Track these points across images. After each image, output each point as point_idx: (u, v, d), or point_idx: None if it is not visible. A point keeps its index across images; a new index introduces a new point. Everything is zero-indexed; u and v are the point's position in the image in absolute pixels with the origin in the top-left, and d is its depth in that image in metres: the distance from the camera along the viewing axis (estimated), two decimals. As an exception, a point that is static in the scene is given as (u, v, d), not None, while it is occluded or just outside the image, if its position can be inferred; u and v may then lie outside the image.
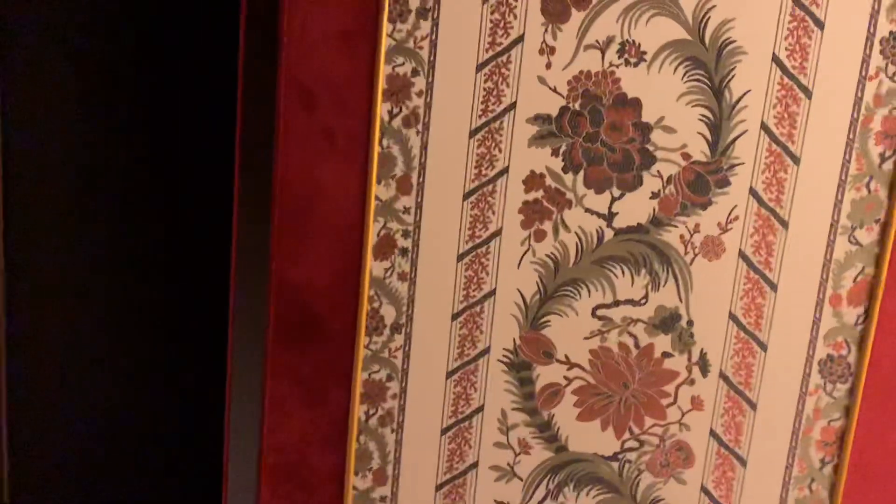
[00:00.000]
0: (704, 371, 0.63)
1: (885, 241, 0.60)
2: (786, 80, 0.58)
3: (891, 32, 0.58)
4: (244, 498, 0.69)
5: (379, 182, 0.62)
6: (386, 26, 0.58)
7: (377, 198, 0.62)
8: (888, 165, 0.59)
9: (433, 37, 0.59)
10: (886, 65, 0.58)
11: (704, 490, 0.65)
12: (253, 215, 0.63)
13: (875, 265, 0.61)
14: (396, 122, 0.61)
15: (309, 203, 0.62)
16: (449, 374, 0.65)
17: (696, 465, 0.65)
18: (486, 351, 0.64)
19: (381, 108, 0.60)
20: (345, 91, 0.60)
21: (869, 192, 0.60)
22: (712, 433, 0.64)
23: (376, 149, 0.61)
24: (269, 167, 0.62)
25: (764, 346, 0.63)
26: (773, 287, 0.62)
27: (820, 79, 0.58)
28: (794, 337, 0.62)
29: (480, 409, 0.65)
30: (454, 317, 0.64)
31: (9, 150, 0.80)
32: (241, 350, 0.66)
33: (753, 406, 0.64)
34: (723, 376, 0.63)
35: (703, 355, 0.63)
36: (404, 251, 0.63)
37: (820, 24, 0.58)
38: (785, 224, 0.61)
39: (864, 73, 0.58)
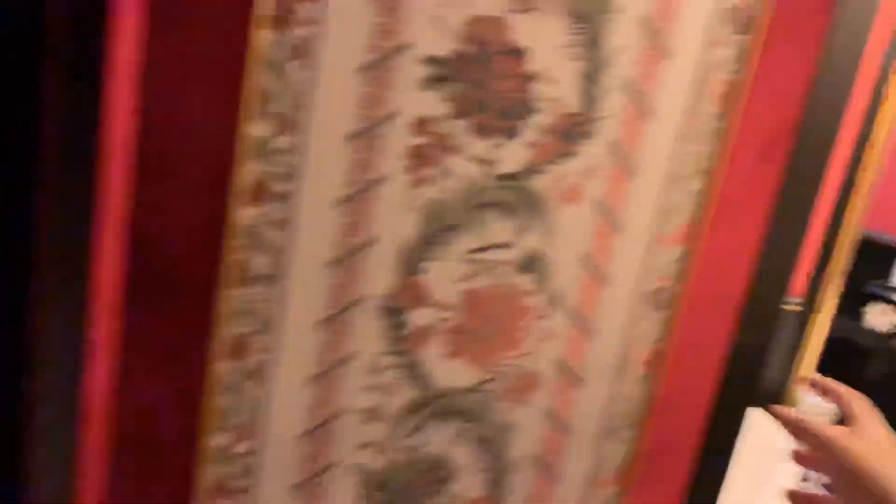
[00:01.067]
0: (557, 306, 0.69)
1: (709, 189, 0.69)
2: (652, 40, 0.63)
3: (734, 4, 0.64)
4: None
5: (254, 119, 0.54)
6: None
7: (251, 137, 0.55)
8: (718, 123, 0.68)
9: (328, -40, 0.52)
10: (729, 33, 0.65)
11: (549, 412, 0.72)
12: (68, 158, 0.52)
13: (699, 208, 0.70)
14: (278, 53, 0.54)
15: (172, 141, 0.53)
16: (321, 324, 0.62)
17: (541, 390, 0.71)
18: (361, 299, 0.62)
19: (261, 36, 0.53)
20: (218, 11, 0.51)
21: (701, 145, 0.68)
22: (557, 360, 0.71)
23: (254, 82, 0.53)
24: (94, 99, 0.51)
25: (608, 282, 0.70)
26: (620, 229, 0.68)
27: (678, 41, 0.64)
28: (631, 272, 0.70)
29: (351, 356, 0.64)
30: (330, 265, 0.60)
31: None
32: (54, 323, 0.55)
33: (596, 334, 0.71)
34: (571, 309, 0.69)
35: (558, 291, 0.68)
36: (281, 196, 0.57)
37: (682, -9, 0.62)
38: (635, 174, 0.67)
39: (711, 39, 0.65)
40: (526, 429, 0.72)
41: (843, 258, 2.30)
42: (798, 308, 2.27)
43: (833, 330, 3.42)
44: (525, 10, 0.58)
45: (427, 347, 0.66)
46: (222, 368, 0.60)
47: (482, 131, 0.60)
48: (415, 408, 0.67)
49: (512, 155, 0.62)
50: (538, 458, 0.73)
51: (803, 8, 0.67)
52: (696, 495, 0.80)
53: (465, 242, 0.64)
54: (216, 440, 0.62)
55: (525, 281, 0.67)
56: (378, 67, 0.56)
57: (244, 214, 0.57)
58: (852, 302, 3.46)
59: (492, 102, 0.60)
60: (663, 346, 0.73)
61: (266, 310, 0.60)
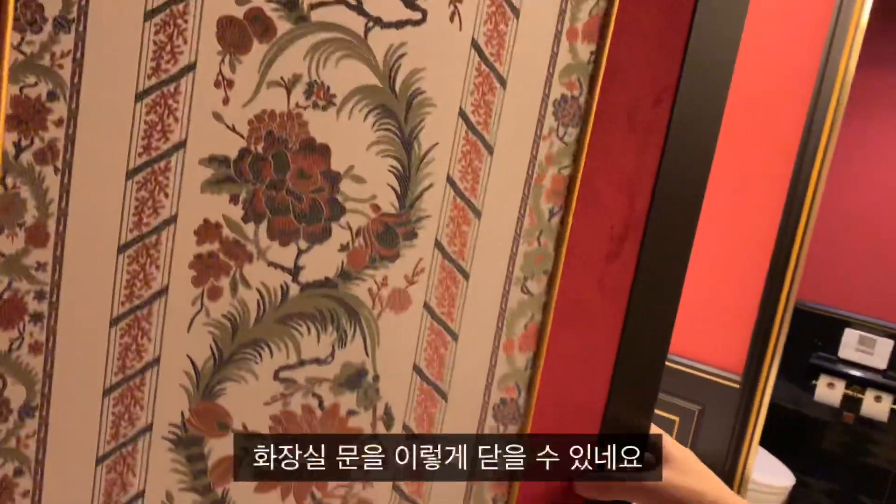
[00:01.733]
0: (388, 425, 0.61)
1: (551, 290, 0.63)
2: (471, 135, 0.58)
3: (562, 95, 0.61)
4: None
5: (1, 232, 0.48)
6: (10, 36, 0.44)
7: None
8: (555, 220, 0.63)
9: (77, 54, 0.47)
10: (557, 126, 0.61)
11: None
12: None
13: (543, 312, 0.64)
14: (26, 157, 0.47)
15: None
16: (100, 460, 0.53)
17: (379, 520, 0.63)
18: (148, 429, 0.54)
19: (5, 139, 0.46)
20: (-53, 112, 0.45)
21: (539, 245, 0.63)
22: (395, 488, 0.63)
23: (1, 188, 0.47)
24: None
25: (445, 395, 0.63)
26: (455, 337, 0.62)
27: (501, 135, 0.59)
28: (472, 384, 0.63)
29: (141, 494, 0.55)
30: (106, 392, 0.53)
31: None
32: None
33: (435, 455, 0.63)
34: (406, 428, 0.62)
35: (387, 409, 0.61)
36: (37, 316, 0.50)
37: (503, 82, 0.58)
38: (466, 275, 0.61)
39: (538, 133, 0.60)
40: (363, 567, 0.63)
41: (782, 329, 2.35)
42: (736, 384, 2.28)
43: (784, 402, 3.53)
44: (324, 106, 0.53)
45: (234, 482, 0.57)
46: (-24, 519, 0.51)
47: (282, 236, 0.54)
48: (223, 552, 0.58)
49: (321, 260, 0.56)
50: None
51: (643, 98, 0.63)
52: None
53: (273, 359, 0.57)
54: None
55: (349, 399, 0.60)
56: (150, 169, 0.50)
57: (-5, 339, 0.49)
58: (804, 374, 3.53)
59: (291, 204, 0.54)
60: (516, 470, 0.65)
61: (28, 447, 0.51)
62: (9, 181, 0.47)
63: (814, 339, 3.57)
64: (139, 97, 0.49)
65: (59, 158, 0.48)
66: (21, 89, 0.46)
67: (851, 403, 3.43)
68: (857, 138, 3.57)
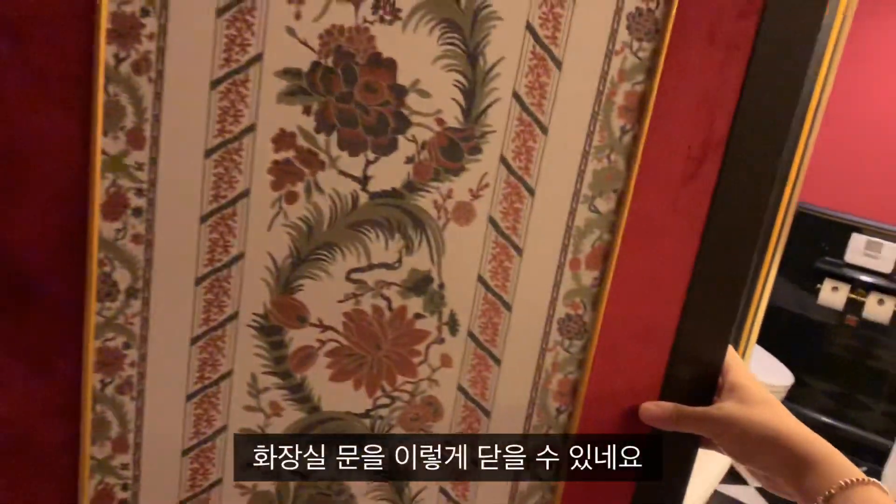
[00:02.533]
0: (453, 330, 0.65)
1: (621, 209, 0.63)
2: (538, 49, 0.58)
3: (637, 8, 0.59)
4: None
5: (106, 134, 0.55)
6: (105, -42, 0.50)
7: (104, 152, 0.55)
8: (627, 139, 0.62)
9: (165, -26, 0.52)
10: (631, 40, 0.60)
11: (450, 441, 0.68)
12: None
13: (610, 232, 0.64)
14: (124, 68, 0.53)
15: (21, 156, 0.54)
16: (194, 341, 0.61)
17: (444, 418, 0.68)
18: (234, 316, 0.61)
19: (106, 51, 0.53)
20: (59, 27, 0.52)
21: (609, 163, 0.62)
22: (460, 388, 0.67)
23: (101, 96, 0.53)
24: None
25: (509, 307, 0.65)
26: (519, 251, 0.64)
27: (570, 50, 0.59)
28: (537, 297, 0.65)
29: (229, 374, 0.63)
30: (198, 281, 0.60)
31: None
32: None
33: (498, 362, 0.66)
34: (470, 335, 0.65)
35: (452, 316, 0.65)
36: (138, 211, 0.57)
37: (572, -4, 0.58)
38: (532, 191, 0.62)
39: (610, 48, 0.60)
40: (427, 461, 0.68)
41: (783, 232, 2.38)
42: None
43: (790, 306, 3.77)
44: (390, 21, 0.56)
45: (311, 368, 0.64)
46: (94, 380, 0.60)
47: (351, 147, 0.58)
48: (301, 430, 0.65)
49: (388, 171, 0.59)
50: (445, 490, 0.69)
51: (725, 12, 0.60)
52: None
53: (345, 262, 0.61)
54: (95, 451, 0.62)
55: (416, 303, 0.64)
56: (231, 81, 0.55)
57: (104, 229, 0.57)
58: (810, 278, 3.70)
59: (360, 117, 0.57)
60: (580, 377, 0.67)
61: (133, 324, 0.60)
62: (111, 89, 0.54)
63: (821, 243, 3.65)
64: (219, 13, 0.53)
65: (151, 69, 0.54)
66: (119, 5, 0.52)
67: (855, 307, 3.54)
68: (867, 43, 3.45)
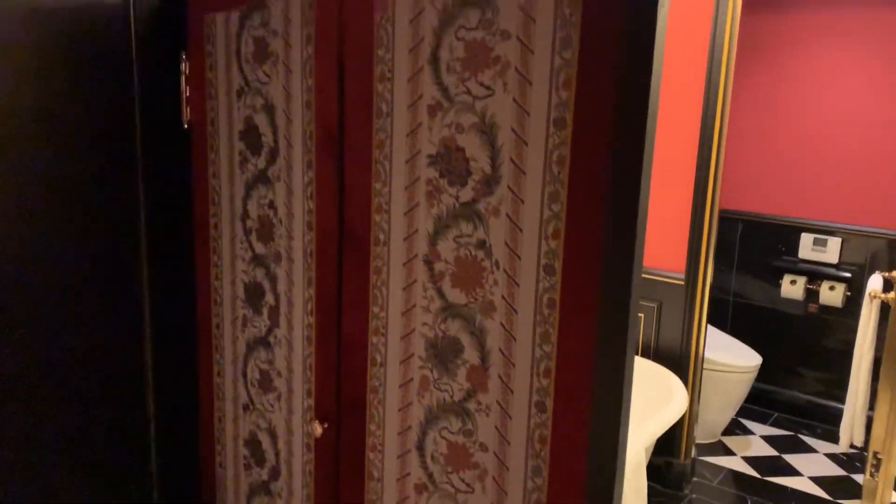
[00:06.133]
0: (496, 267, 1.42)
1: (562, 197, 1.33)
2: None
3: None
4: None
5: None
6: None
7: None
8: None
9: None
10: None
11: (502, 324, 1.43)
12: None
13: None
14: None
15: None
16: (403, 266, 1.54)
17: (497, 312, 1.43)
18: (417, 255, 1.52)
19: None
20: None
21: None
22: (501, 296, 1.43)
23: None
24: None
25: (519, 258, 1.39)
26: (521, 230, 1.38)
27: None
28: (530, 251, 1.38)
29: (415, 282, 1.53)
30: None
31: None
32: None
33: (518, 285, 1.40)
34: (504, 270, 1.41)
35: (496, 260, 1.42)
36: (385, 211, 1.53)
37: None
38: (523, 201, 1.37)
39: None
40: (492, 331, 1.44)
41: (711, 234, 3.40)
42: (682, 282, 3.48)
43: (758, 301, 4.90)
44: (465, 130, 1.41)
45: (444, 281, 1.49)
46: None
47: (451, 182, 1.44)
48: (441, 311, 1.50)
49: (466, 193, 1.43)
50: (500, 349, 1.44)
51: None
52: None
53: (453, 233, 1.46)
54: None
55: (481, 254, 1.43)
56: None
57: (377, 218, 1.55)
58: (772, 275, 4.87)
59: (455, 170, 1.43)
60: (554, 298, 1.36)
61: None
62: (376, 166, 1.53)
63: (777, 244, 4.85)
64: (405, 136, 1.48)
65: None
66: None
67: (812, 295, 4.72)
68: (799, 67, 4.69)
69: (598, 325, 1.30)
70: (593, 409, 1.32)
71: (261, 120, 1.80)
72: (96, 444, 1.91)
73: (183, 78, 1.96)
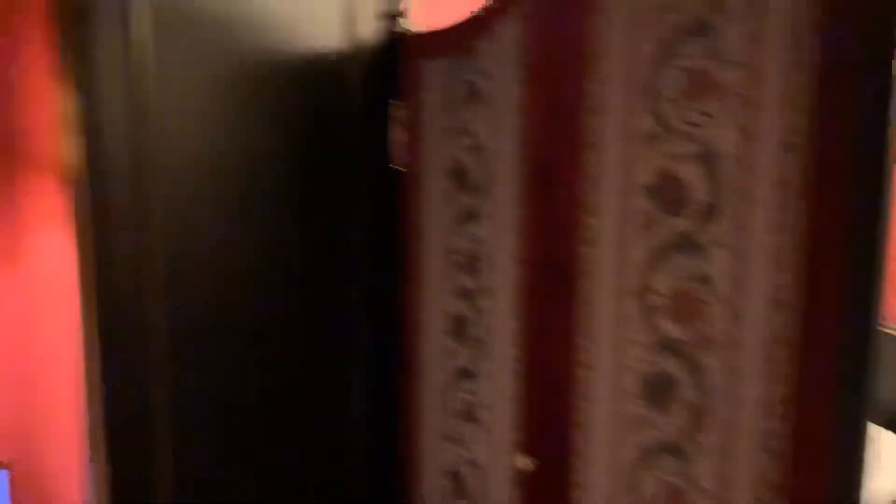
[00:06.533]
0: (723, 304, 1.36)
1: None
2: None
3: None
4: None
5: (587, 215, 1.54)
6: None
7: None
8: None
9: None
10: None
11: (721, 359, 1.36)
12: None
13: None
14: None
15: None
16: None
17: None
18: (628, 287, 1.49)
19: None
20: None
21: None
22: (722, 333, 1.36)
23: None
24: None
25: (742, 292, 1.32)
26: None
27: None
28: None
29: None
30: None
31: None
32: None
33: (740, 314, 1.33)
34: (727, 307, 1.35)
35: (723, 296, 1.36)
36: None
37: None
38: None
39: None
40: (711, 368, 1.38)
41: None
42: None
43: None
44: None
45: (658, 315, 1.44)
46: (584, 312, 1.57)
47: (667, 212, 1.41)
48: (655, 345, 1.46)
49: (682, 223, 1.39)
50: (722, 387, 1.37)
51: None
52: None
53: (668, 265, 1.42)
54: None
55: (700, 286, 1.38)
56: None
57: (587, 250, 1.55)
58: None
59: (671, 199, 1.40)
60: (787, 335, 1.27)
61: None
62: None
63: None
64: (619, 168, 1.47)
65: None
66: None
67: None
68: None
69: (838, 364, 1.20)
70: (833, 456, 1.22)
71: (469, 160, 1.87)
72: (311, 478, 2.05)
73: (394, 121, 2.09)
